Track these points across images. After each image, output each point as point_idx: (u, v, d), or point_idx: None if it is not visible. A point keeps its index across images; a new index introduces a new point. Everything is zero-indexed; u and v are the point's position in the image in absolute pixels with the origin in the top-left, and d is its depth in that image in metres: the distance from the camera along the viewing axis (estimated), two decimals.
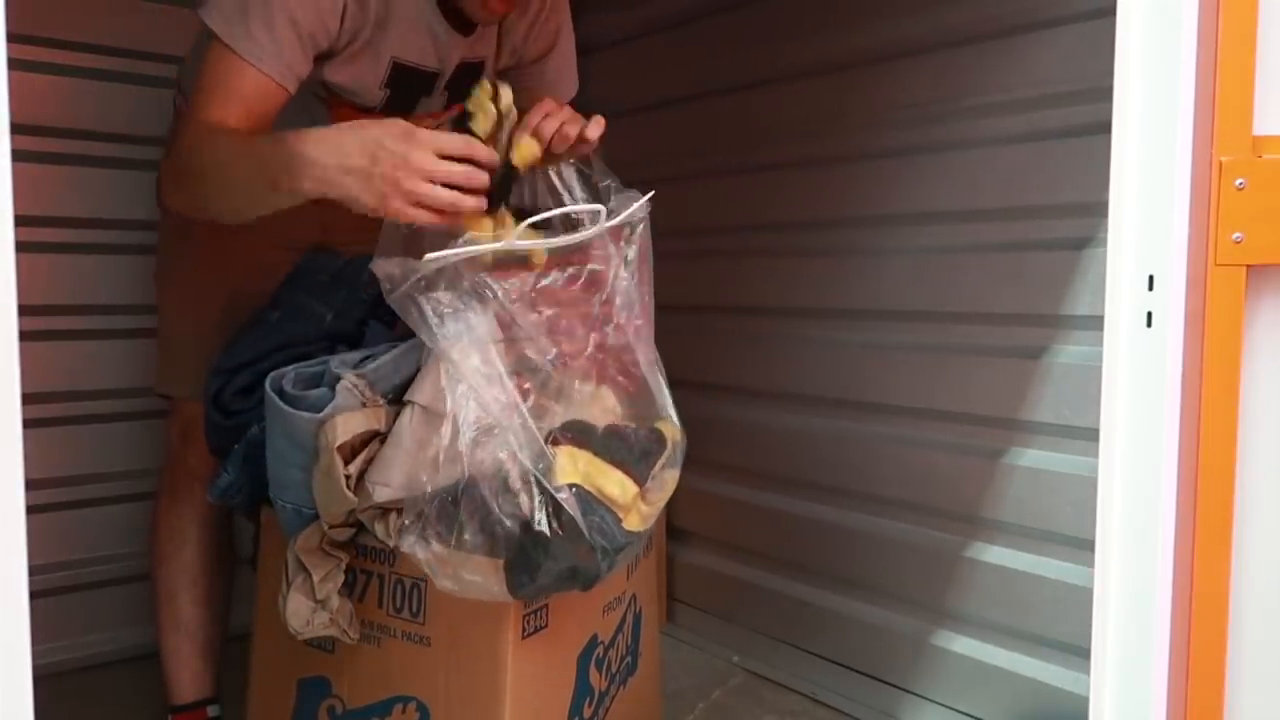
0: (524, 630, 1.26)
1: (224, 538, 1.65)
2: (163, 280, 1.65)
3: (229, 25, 1.29)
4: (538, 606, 1.27)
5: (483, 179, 1.15)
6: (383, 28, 1.40)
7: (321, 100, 1.49)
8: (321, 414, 1.22)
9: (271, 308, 1.50)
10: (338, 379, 1.24)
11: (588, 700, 1.40)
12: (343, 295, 1.47)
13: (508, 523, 1.14)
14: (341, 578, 1.30)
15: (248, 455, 1.40)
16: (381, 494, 1.20)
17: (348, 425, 1.21)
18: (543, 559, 1.14)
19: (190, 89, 1.44)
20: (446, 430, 1.16)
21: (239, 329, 1.49)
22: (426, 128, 1.24)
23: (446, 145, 1.15)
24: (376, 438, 1.24)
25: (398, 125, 1.15)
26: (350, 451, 1.22)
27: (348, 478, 1.21)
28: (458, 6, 1.45)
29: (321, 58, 1.39)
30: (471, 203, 1.14)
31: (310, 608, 1.27)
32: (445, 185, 1.14)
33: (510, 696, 1.25)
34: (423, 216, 1.14)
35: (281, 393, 1.27)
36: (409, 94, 1.51)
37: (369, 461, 1.23)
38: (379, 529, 1.24)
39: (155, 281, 1.67)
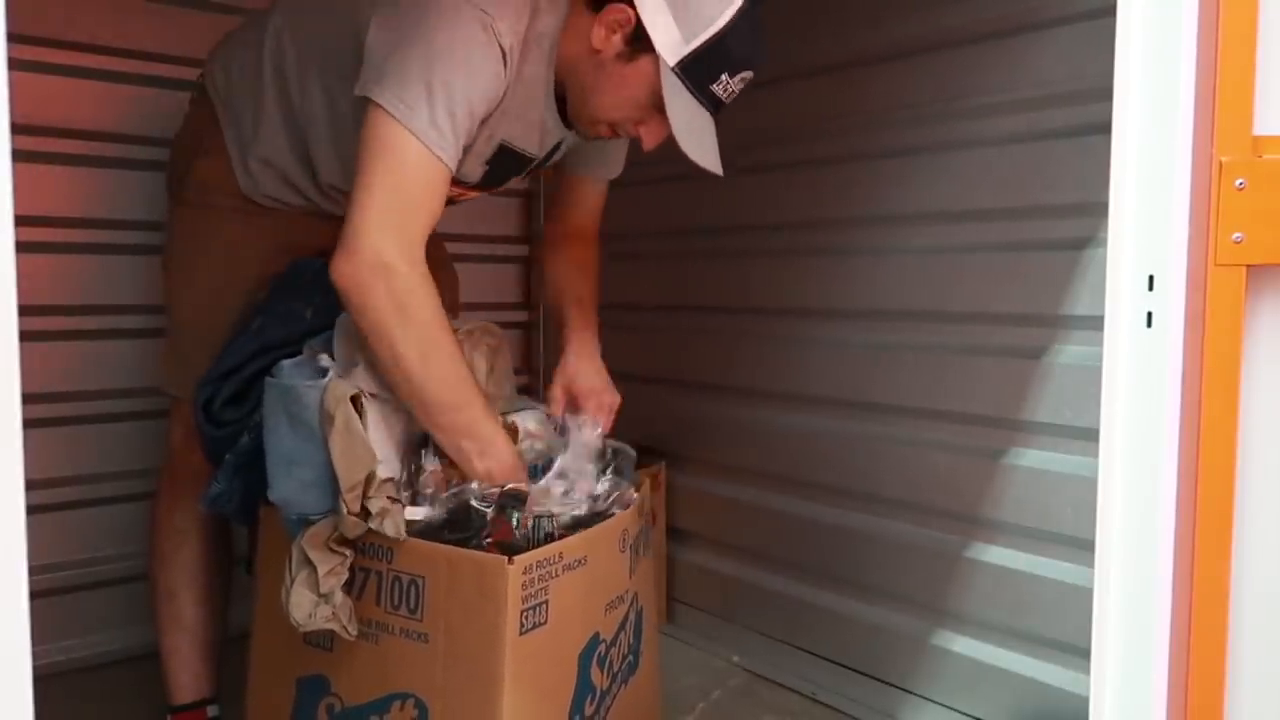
0: (522, 627, 1.26)
1: (223, 537, 1.66)
2: (177, 280, 1.62)
3: (410, 110, 1.26)
4: (537, 603, 1.28)
5: None
6: (505, 114, 1.40)
7: None
8: (321, 383, 1.30)
9: (254, 315, 1.52)
10: (317, 360, 1.36)
11: (589, 698, 1.40)
12: (320, 295, 1.46)
13: None
14: (346, 574, 1.31)
15: (238, 465, 1.42)
16: (382, 470, 1.28)
17: (346, 387, 1.30)
18: None
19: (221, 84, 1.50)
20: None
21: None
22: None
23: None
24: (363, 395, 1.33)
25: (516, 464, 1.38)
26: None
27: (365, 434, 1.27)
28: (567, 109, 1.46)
29: None
30: None
31: (313, 601, 1.28)
32: None
33: (508, 693, 1.25)
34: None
35: (282, 377, 1.34)
36: (503, 172, 1.52)
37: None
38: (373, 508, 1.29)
39: (166, 280, 1.64)
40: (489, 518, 1.30)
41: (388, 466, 1.31)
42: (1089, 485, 1.08)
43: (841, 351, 2.03)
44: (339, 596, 1.29)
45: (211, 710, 1.64)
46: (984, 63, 1.76)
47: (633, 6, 1.32)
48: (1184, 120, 0.99)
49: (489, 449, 1.35)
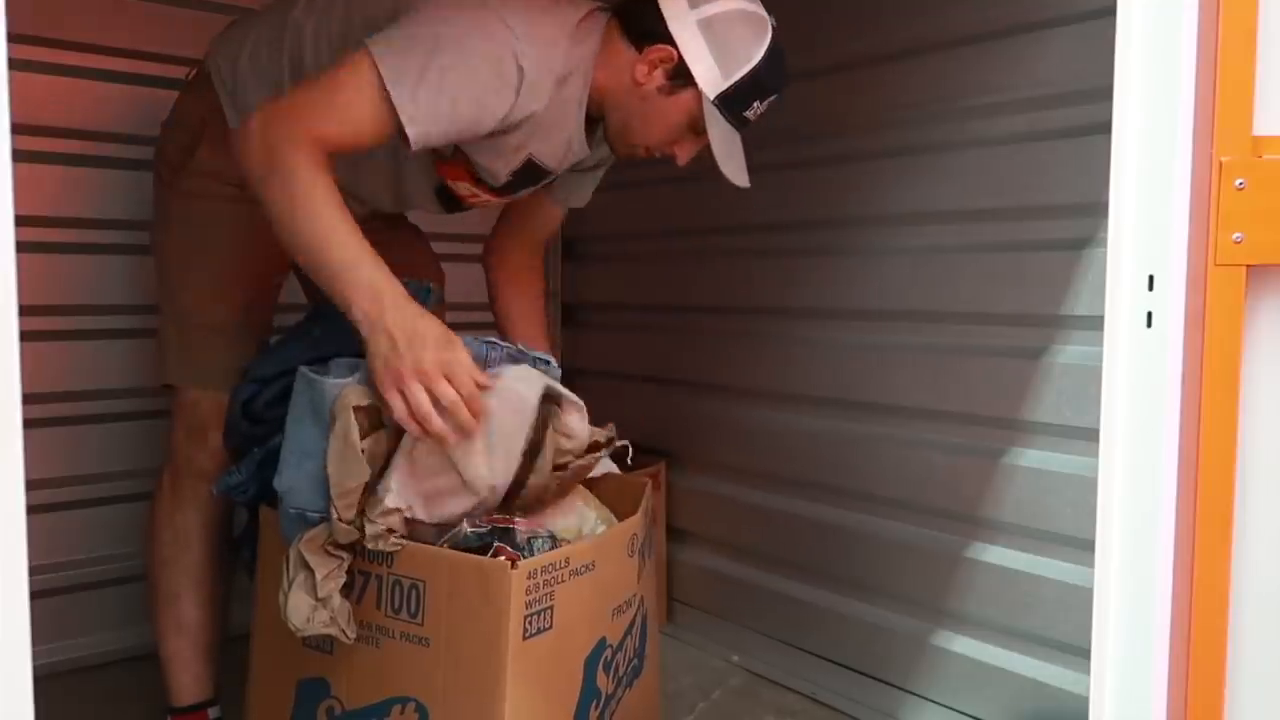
0: (526, 632, 1.25)
1: (226, 539, 1.65)
2: (178, 267, 1.61)
3: (399, 74, 1.32)
4: (541, 608, 1.27)
5: (465, 415, 1.27)
6: (535, 133, 1.48)
7: (434, 153, 1.51)
8: (343, 381, 1.33)
9: (313, 320, 1.54)
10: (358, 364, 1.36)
11: (594, 703, 1.39)
12: None
13: None
14: (344, 578, 1.30)
15: (264, 460, 1.44)
16: (390, 500, 1.27)
17: (359, 394, 1.30)
18: None
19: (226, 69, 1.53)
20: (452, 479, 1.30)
21: (281, 336, 1.55)
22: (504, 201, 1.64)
23: (460, 381, 1.27)
24: (378, 429, 1.30)
25: (440, 335, 1.29)
26: (366, 423, 1.28)
27: (361, 448, 1.26)
28: (597, 133, 1.55)
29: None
30: (437, 425, 1.25)
31: (311, 605, 1.28)
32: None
33: (510, 698, 1.24)
34: (398, 407, 1.26)
35: (318, 370, 1.38)
36: (524, 182, 1.59)
37: (380, 455, 1.30)
38: (369, 531, 1.28)
39: (161, 269, 1.62)
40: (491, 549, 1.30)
41: (399, 497, 1.30)
42: (1089, 485, 1.08)
43: (842, 351, 2.03)
44: (337, 600, 1.29)
45: (213, 712, 1.63)
46: (984, 63, 1.76)
47: (674, 46, 1.42)
48: (1184, 120, 0.99)
49: (396, 296, 1.29)
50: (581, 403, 1.41)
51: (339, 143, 1.35)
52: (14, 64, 0.66)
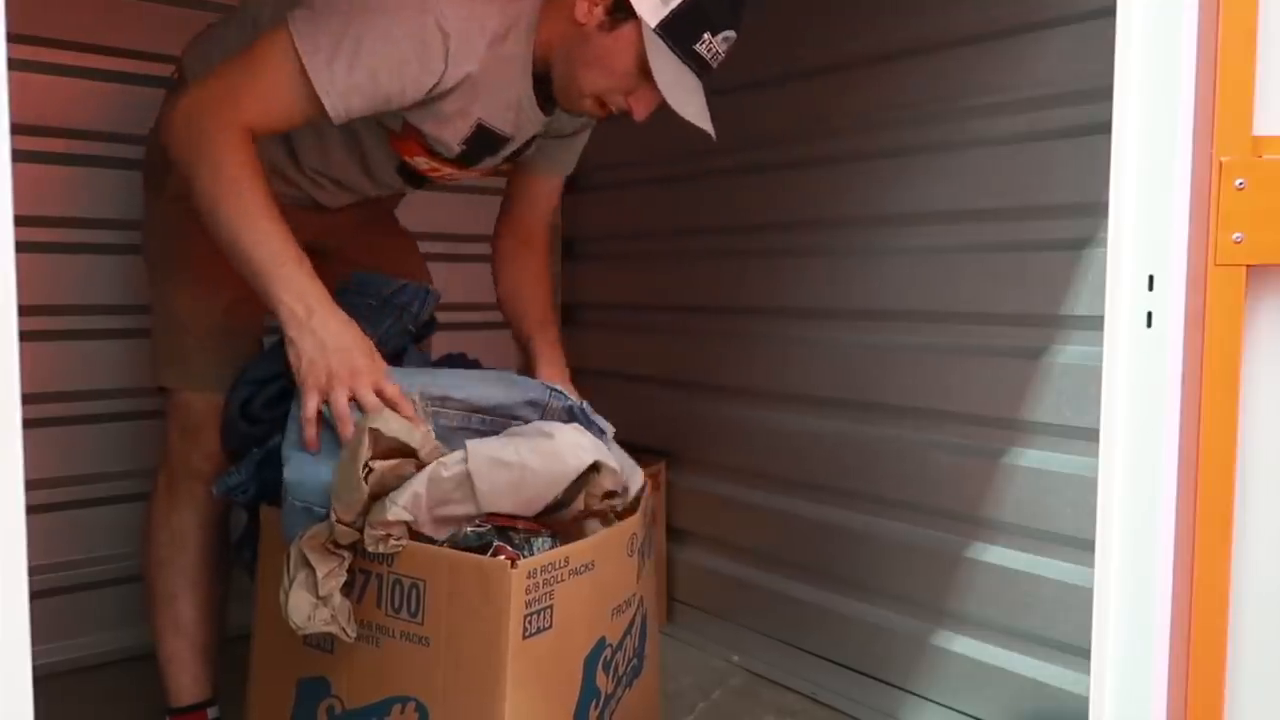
0: (525, 631, 1.25)
1: (223, 538, 1.65)
2: (166, 270, 1.61)
3: (314, 46, 1.31)
4: (541, 608, 1.27)
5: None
6: (476, 95, 1.44)
7: (385, 129, 1.50)
8: None
9: None
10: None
11: (594, 703, 1.39)
12: (388, 323, 1.51)
13: None
14: (345, 576, 1.30)
15: (263, 461, 1.43)
16: (394, 513, 1.26)
17: (385, 422, 1.29)
18: None
19: (199, 68, 1.50)
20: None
21: (273, 342, 1.51)
22: (479, 174, 1.62)
23: (387, 389, 1.31)
24: (407, 457, 1.30)
25: (369, 348, 1.34)
26: (383, 450, 1.28)
27: (369, 470, 1.25)
28: (551, 94, 1.49)
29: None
30: (349, 430, 1.28)
31: (312, 604, 1.28)
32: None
33: (510, 697, 1.24)
34: (309, 409, 1.30)
35: None
36: (481, 150, 1.55)
37: (394, 473, 1.28)
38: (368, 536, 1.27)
39: (155, 270, 1.63)
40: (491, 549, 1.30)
41: (407, 513, 1.29)
42: (1089, 485, 1.08)
43: (842, 351, 2.03)
44: (338, 599, 1.29)
45: (212, 712, 1.63)
46: (984, 63, 1.76)
47: None
48: (1184, 120, 0.99)
49: (320, 299, 1.32)
50: (619, 469, 1.41)
51: (267, 124, 1.35)
52: (14, 64, 0.66)
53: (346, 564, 1.31)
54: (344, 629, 1.29)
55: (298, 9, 1.35)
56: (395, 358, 1.49)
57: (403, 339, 1.55)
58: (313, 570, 1.28)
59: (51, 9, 1.96)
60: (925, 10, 1.85)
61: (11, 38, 0.66)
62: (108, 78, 2.05)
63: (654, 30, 1.35)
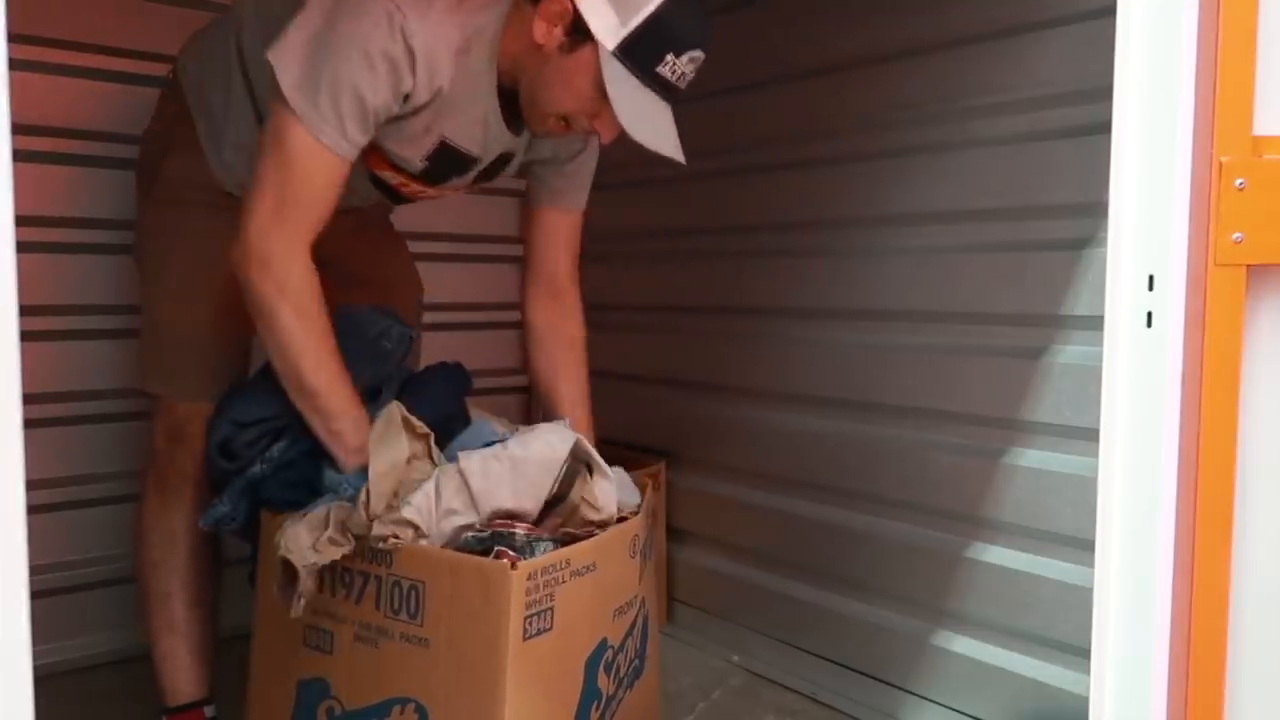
0: (526, 632, 1.25)
1: (214, 537, 1.64)
2: (152, 276, 1.61)
3: (298, 91, 1.32)
4: (542, 609, 1.27)
5: None
6: (443, 111, 1.42)
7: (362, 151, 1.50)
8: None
9: None
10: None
11: (595, 704, 1.39)
12: (372, 370, 1.52)
13: None
14: (335, 558, 1.33)
15: (245, 489, 1.44)
16: (406, 511, 1.30)
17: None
18: None
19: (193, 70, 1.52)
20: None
21: (253, 376, 1.55)
22: (455, 193, 1.63)
23: None
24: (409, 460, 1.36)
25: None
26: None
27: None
28: (517, 111, 1.47)
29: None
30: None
31: (312, 536, 1.31)
32: None
33: (510, 699, 1.24)
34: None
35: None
36: (445, 169, 1.53)
37: (412, 481, 1.35)
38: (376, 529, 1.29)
39: (144, 274, 1.63)
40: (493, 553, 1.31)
41: (417, 514, 1.32)
42: (1089, 485, 1.08)
43: (842, 352, 2.03)
44: (326, 553, 1.31)
45: (208, 710, 1.63)
46: (984, 63, 1.76)
47: None
48: (1184, 120, 0.99)
49: (340, 433, 1.41)
50: (613, 477, 1.42)
51: (323, 214, 1.37)
52: (14, 64, 0.66)
53: (343, 551, 1.31)
54: (341, 541, 1.31)
55: (278, 65, 1.33)
56: (373, 394, 1.50)
57: (390, 386, 1.55)
58: (325, 531, 1.31)
59: (51, 9, 1.96)
60: (925, 10, 1.84)
61: (12, 38, 0.66)
62: (108, 78, 2.05)
63: (613, 53, 1.31)
